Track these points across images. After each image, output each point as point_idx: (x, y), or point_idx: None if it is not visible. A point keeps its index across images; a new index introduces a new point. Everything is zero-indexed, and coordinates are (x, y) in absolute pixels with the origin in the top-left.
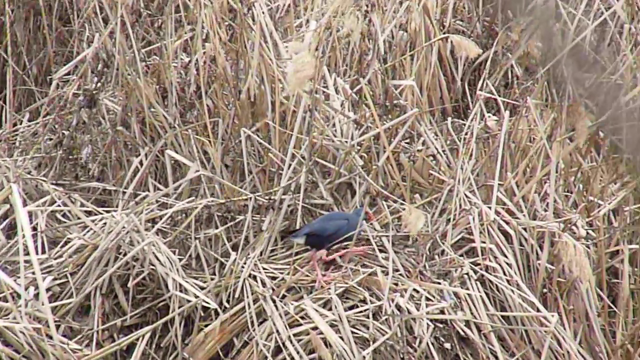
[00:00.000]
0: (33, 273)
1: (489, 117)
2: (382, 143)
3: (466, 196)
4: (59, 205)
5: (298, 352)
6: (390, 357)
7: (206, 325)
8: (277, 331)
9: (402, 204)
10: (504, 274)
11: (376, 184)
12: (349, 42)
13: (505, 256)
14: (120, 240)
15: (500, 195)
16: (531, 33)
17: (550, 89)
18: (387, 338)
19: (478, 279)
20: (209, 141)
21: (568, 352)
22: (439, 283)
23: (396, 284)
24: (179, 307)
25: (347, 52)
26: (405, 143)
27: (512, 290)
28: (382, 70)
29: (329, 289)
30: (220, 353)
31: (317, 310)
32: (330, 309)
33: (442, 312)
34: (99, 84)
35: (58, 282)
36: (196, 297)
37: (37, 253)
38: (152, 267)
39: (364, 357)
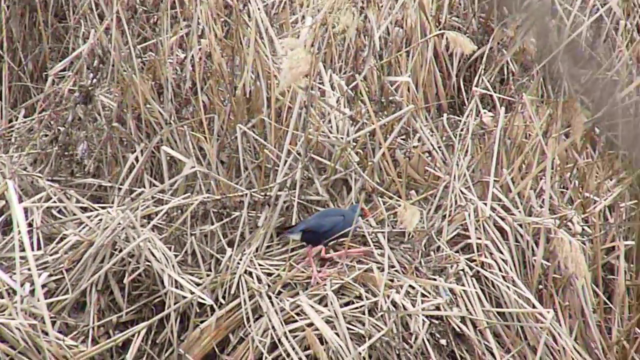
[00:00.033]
0: (29, 269)
1: (485, 113)
2: (377, 139)
3: (462, 192)
4: (54, 202)
5: (294, 348)
6: (386, 353)
7: (202, 322)
8: (273, 327)
9: (397, 200)
10: (500, 270)
11: (372, 180)
12: (344, 38)
13: (501, 252)
14: (116, 237)
15: (495, 191)
16: (527, 29)
17: (546, 85)
18: (382, 334)
19: (474, 275)
20: (205, 137)
21: (564, 348)
22: (435, 279)
23: (392, 280)
24: (175, 304)
25: (342, 48)
26: (401, 139)
27: (508, 287)
28: (377, 67)
29: (325, 285)
30: (216, 349)
31: (312, 307)
32: (326, 305)
33: (437, 308)
34: (94, 80)
35: (54, 278)
36: (192, 293)
37: (32, 249)
38: (147, 263)
39: (360, 353)
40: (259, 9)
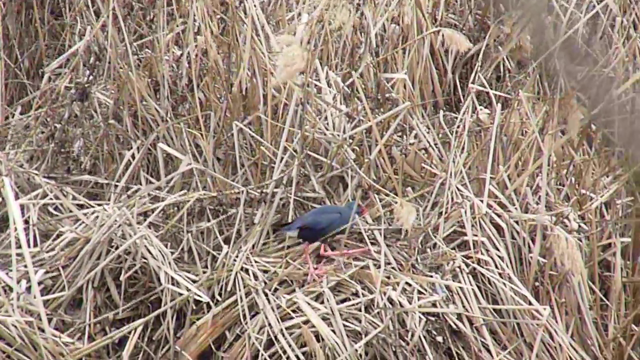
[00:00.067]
0: (25, 266)
1: (481, 110)
2: (374, 136)
3: (458, 189)
4: (50, 199)
5: (290, 346)
6: (382, 350)
7: (198, 319)
8: (269, 324)
9: (394, 197)
10: (496, 267)
11: (368, 177)
12: (340, 35)
13: (497, 249)
14: (112, 234)
15: (492, 188)
16: (523, 26)
17: (542, 82)
18: (379, 331)
19: (470, 272)
20: (201, 134)
21: (560, 345)
22: (431, 276)
23: (388, 277)
24: (171, 301)
25: (339, 45)
26: (397, 136)
27: (504, 284)
28: (374, 64)
29: (321, 282)
30: (212, 346)
31: (309, 304)
32: (322, 302)
33: (434, 305)
34: (90, 77)
35: (50, 275)
36: (188, 290)
37: (29, 246)
38: (144, 260)
39: (356, 350)
40: (255, 5)
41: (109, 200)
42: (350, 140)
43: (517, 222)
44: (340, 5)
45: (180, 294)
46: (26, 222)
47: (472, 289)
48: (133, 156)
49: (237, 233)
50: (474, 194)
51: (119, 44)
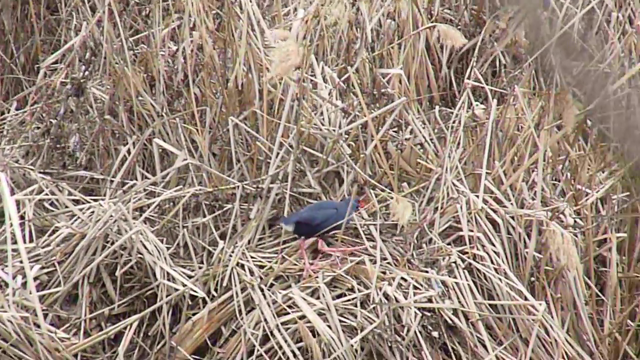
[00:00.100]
0: (21, 262)
1: (477, 105)
2: (369, 132)
3: (454, 185)
4: (46, 194)
5: (286, 341)
6: (378, 346)
7: (194, 314)
8: (265, 320)
9: (389, 192)
10: (492, 262)
11: (364, 172)
12: (336, 30)
13: (493, 245)
14: (108, 229)
15: (487, 183)
16: (519, 21)
17: (538, 77)
18: (375, 327)
19: (466, 267)
20: (197, 130)
21: (556, 340)
22: (427, 272)
23: (384, 273)
24: (167, 296)
25: (335, 40)
26: (393, 132)
27: (500, 279)
28: (369, 59)
29: (317, 277)
30: (208, 342)
31: (305, 299)
32: (318, 298)
33: (429, 300)
34: (86, 73)
35: (46, 270)
36: (184, 285)
37: (24, 242)
38: (139, 255)
39: (352, 345)
40: (250, 1)
41: (104, 195)
42: (346, 136)
43: (512, 218)
44: (336, 0)
45: (176, 290)
46: (22, 217)
47: (468, 284)
48: (129, 151)
49: (233, 228)
50: (470, 189)
51: (114, 39)
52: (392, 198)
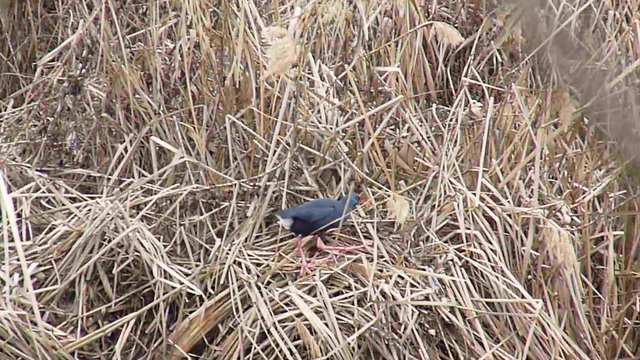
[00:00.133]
0: (17, 260)
1: (474, 103)
2: (366, 129)
3: (451, 182)
4: (43, 192)
5: (283, 339)
6: (375, 344)
7: (191, 312)
8: (262, 318)
9: (386, 190)
10: (489, 260)
11: (361, 170)
12: (333, 28)
13: (490, 242)
14: (104, 227)
15: (484, 181)
16: (516, 19)
17: (535, 75)
18: (372, 324)
19: (463, 265)
20: (194, 127)
21: (552, 338)
22: (424, 269)
23: (381, 271)
24: (164, 294)
25: (332, 38)
26: (390, 129)
27: (497, 277)
28: (366, 57)
29: (314, 275)
30: (205, 339)
31: (302, 297)
32: (315, 296)
33: (426, 298)
34: (83, 71)
35: (42, 268)
36: (181, 283)
37: (21, 240)
38: (136, 253)
39: (349, 343)
40: None
41: (101, 193)
42: (343, 134)
43: (509, 216)
44: None
45: (173, 287)
46: (19, 215)
47: (465, 282)
48: (126, 149)
49: (230, 226)
50: (467, 187)
51: (111, 37)
52: (389, 196)
